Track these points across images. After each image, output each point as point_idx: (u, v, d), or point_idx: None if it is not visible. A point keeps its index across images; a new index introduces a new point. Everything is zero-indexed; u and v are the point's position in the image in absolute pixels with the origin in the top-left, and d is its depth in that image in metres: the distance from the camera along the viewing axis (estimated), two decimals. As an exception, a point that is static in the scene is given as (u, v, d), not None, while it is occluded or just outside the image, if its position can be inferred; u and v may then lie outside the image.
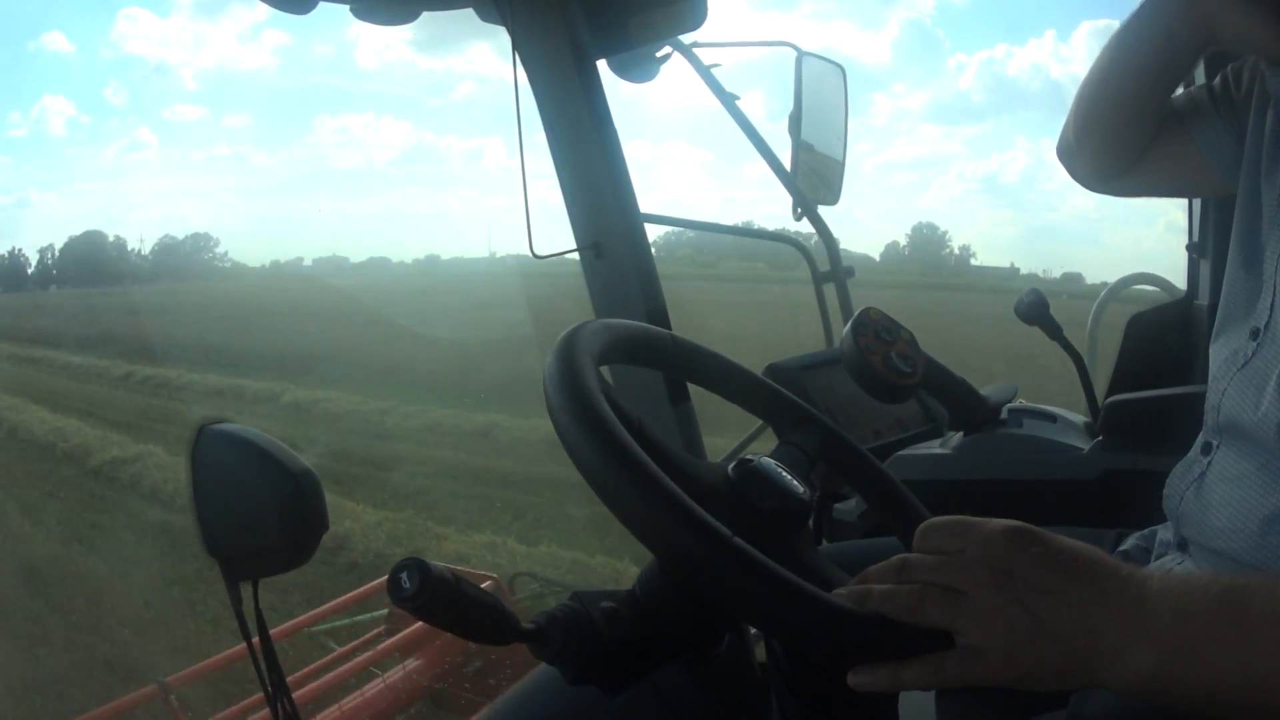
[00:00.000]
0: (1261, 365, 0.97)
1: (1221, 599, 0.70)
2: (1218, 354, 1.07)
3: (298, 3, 1.44)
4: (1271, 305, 0.97)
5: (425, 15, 1.63)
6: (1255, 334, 0.99)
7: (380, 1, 1.58)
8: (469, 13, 1.64)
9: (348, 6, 1.51)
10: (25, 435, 12.06)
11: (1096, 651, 0.71)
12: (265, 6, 1.43)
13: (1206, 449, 1.05)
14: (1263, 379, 0.96)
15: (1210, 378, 1.06)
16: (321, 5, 1.45)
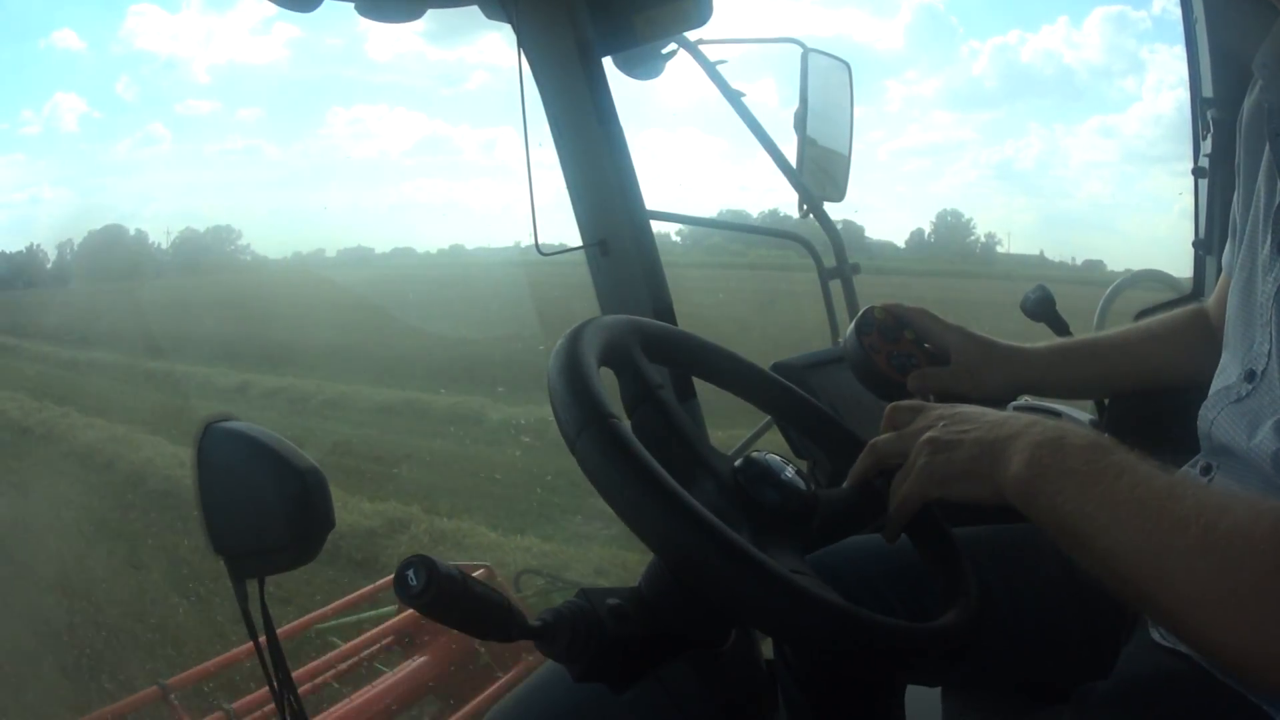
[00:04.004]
0: (1256, 406, 0.98)
1: (1094, 442, 0.85)
2: (1215, 379, 1.08)
3: (302, 0, 1.43)
4: (1269, 352, 0.98)
5: (451, 9, 1.63)
6: (1251, 376, 1.00)
7: (385, -1, 1.57)
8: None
9: (352, 4, 1.51)
10: (159, 483, 8.48)
11: (991, 457, 0.89)
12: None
13: (1206, 469, 1.05)
14: (1256, 418, 0.97)
15: (1203, 405, 1.07)
16: (326, 3, 1.45)
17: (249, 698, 3.26)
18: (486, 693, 3.50)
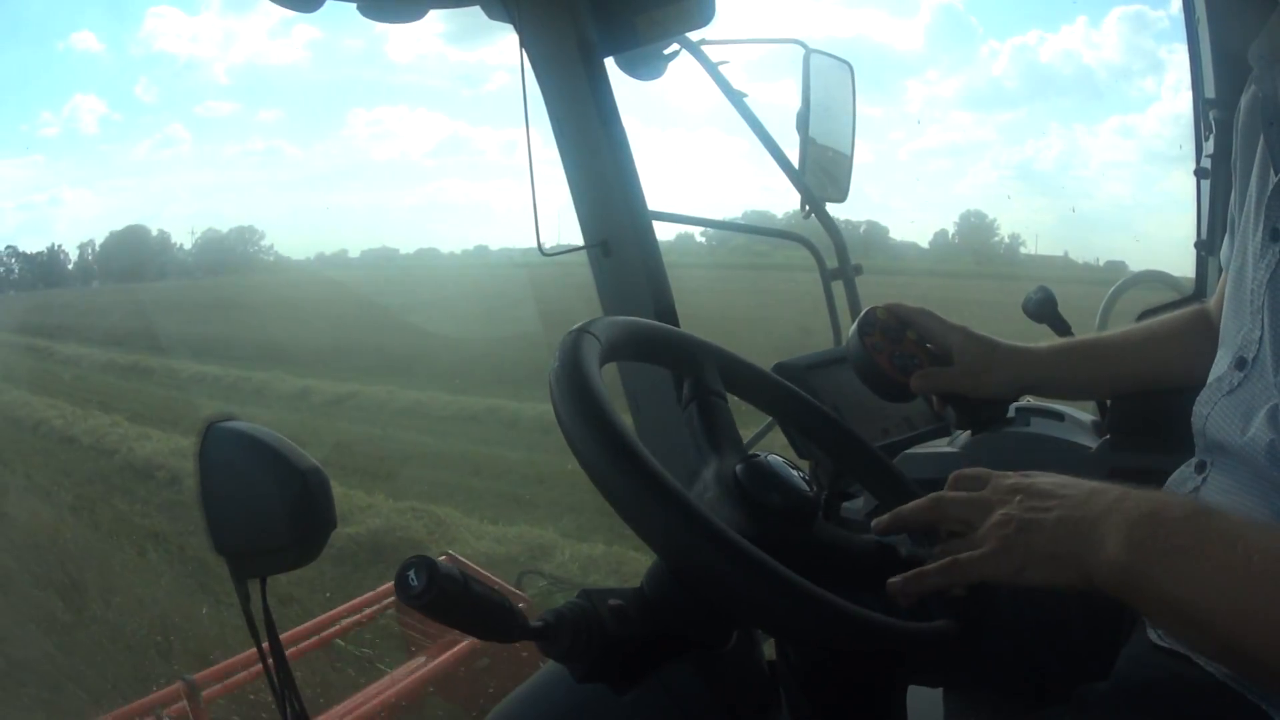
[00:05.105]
0: (1248, 396, 0.98)
1: (1194, 511, 0.79)
2: (1211, 373, 1.08)
3: (304, 1, 1.44)
4: (1260, 340, 0.98)
5: (454, 9, 1.63)
6: (1242, 364, 1.00)
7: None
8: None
9: (354, 4, 1.51)
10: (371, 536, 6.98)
11: (1079, 538, 0.81)
12: None
13: (1201, 467, 1.05)
14: (1249, 409, 0.97)
15: (1197, 400, 1.06)
16: (329, 4, 1.45)
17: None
18: (488, 694, 3.51)
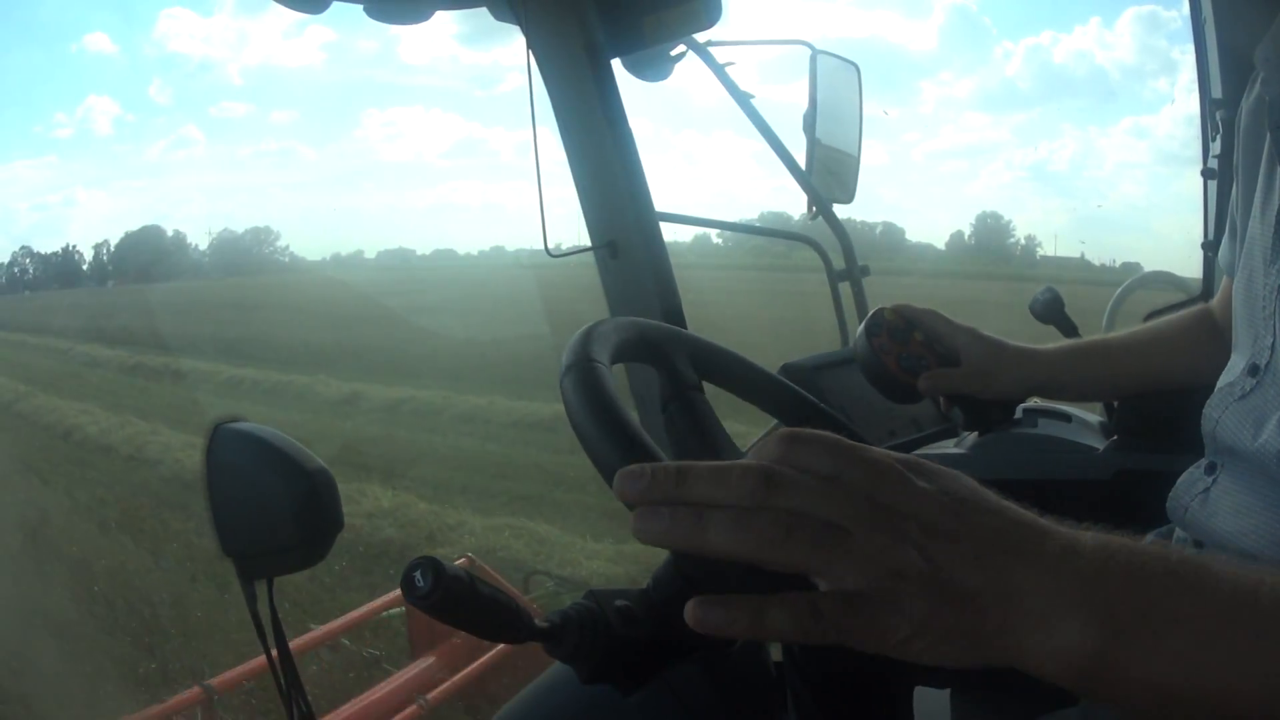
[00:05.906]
0: (1260, 402, 0.97)
1: (1180, 564, 0.57)
2: (1221, 377, 1.07)
3: (310, 2, 1.44)
4: (1272, 346, 0.97)
5: (461, 11, 1.64)
6: (1254, 370, 0.99)
7: (393, 1, 1.58)
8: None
9: (360, 6, 1.52)
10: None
11: (1012, 615, 0.56)
12: None
13: (1211, 469, 1.05)
14: (1261, 415, 0.96)
15: (1207, 404, 1.06)
16: (336, 5, 1.46)
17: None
18: (494, 695, 3.51)
